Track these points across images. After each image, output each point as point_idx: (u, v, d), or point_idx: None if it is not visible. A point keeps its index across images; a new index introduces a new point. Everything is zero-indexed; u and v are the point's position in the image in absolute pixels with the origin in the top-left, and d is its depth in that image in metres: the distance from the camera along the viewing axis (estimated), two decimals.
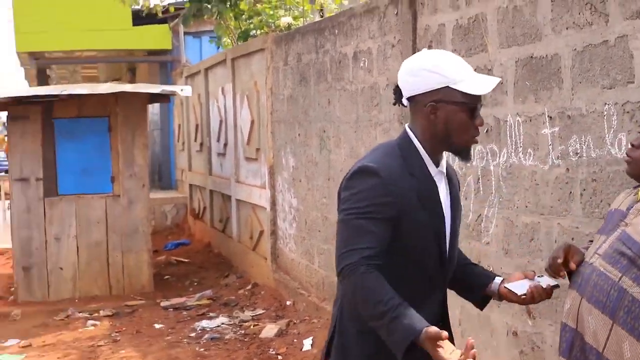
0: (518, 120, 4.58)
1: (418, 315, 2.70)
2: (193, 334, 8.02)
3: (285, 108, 8.86)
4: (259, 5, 9.83)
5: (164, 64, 17.05)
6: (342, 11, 7.50)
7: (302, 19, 9.06)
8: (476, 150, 5.00)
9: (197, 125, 13.49)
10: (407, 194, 2.86)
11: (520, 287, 3.04)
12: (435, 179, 2.95)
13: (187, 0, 10.96)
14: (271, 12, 9.63)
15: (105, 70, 25.06)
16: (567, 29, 4.11)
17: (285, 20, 8.79)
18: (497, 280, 3.13)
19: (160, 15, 12.37)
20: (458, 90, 2.88)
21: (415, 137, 2.94)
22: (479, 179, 5.02)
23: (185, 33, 16.06)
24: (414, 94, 2.94)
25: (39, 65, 18.26)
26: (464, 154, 2.97)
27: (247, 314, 8.52)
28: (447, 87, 2.88)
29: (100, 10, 15.80)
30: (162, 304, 9.38)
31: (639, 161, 2.95)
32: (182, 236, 14.20)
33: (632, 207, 2.94)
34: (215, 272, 11.06)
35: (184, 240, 13.79)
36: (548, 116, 4.30)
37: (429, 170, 2.94)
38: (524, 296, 3.02)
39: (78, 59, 19.05)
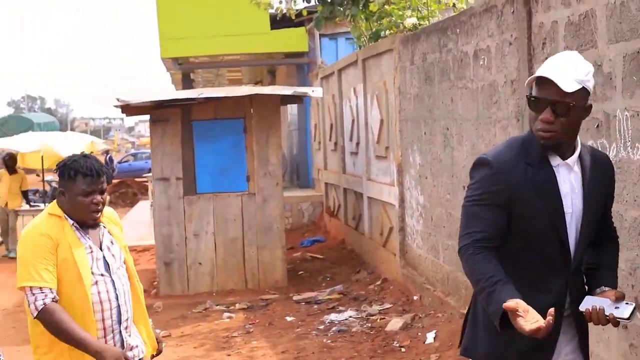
0: (626, 115, 4.61)
1: (513, 290, 2.98)
2: (321, 327, 8.30)
3: (412, 107, 9.02)
4: (387, 7, 10.01)
5: (300, 66, 17.46)
6: (463, 10, 7.62)
7: (428, 19, 9.19)
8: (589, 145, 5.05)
9: (331, 125, 13.80)
10: (520, 183, 3.13)
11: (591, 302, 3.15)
12: (557, 170, 3.16)
13: (320, 4, 11.24)
14: (400, 13, 9.80)
15: (248, 73, 25.77)
16: None
17: (410, 21, 8.95)
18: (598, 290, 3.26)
19: (293, 18, 12.71)
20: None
21: None
22: None
23: (321, 35, 16.40)
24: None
25: (183, 70, 19.01)
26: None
27: (375, 308, 8.74)
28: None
29: (240, 16, 16.35)
30: (295, 297, 9.71)
31: None
32: (318, 233, 14.54)
33: None
34: (347, 267, 11.33)
35: (319, 237, 14.13)
36: None
37: (549, 162, 3.16)
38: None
39: (220, 63, 19.69)
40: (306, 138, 17.19)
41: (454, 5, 9.97)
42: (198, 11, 16.58)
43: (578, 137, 3.27)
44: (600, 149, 4.94)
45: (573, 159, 3.20)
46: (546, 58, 5.49)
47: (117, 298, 4.02)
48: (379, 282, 9.93)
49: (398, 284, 9.45)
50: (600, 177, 3.25)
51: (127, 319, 4.10)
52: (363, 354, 7.23)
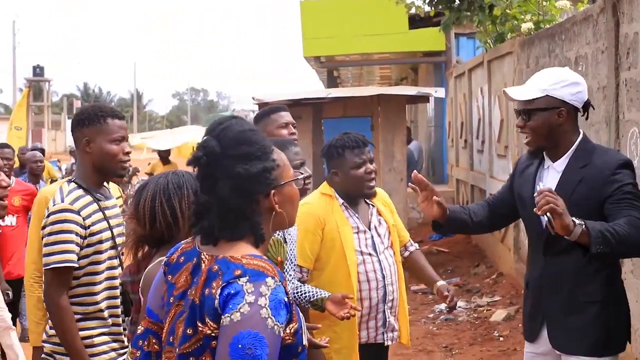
0: None
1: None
2: (431, 315, 8.83)
3: None
4: (508, 11, 10.37)
5: (438, 64, 17.92)
6: (568, 18, 7.95)
7: (546, 22, 9.50)
8: None
9: (462, 123, 14.21)
10: (518, 179, 3.98)
11: None
12: (547, 170, 3.84)
13: (446, 9, 11.68)
14: (522, 17, 10.14)
15: (395, 70, 26.36)
16: None
17: (526, 25, 9.29)
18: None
19: (422, 16, 13.14)
20: None
21: None
22: None
23: (458, 34, 16.80)
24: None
25: (328, 68, 19.79)
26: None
27: (485, 300, 9.18)
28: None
29: (379, 16, 16.93)
30: (412, 287, 10.23)
31: None
32: None
33: None
34: (468, 261, 11.76)
35: None
36: None
37: (538, 163, 3.89)
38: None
39: (361, 61, 20.35)
40: (442, 135, 17.63)
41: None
42: (339, 12, 17.26)
43: (577, 143, 3.80)
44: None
45: (559, 162, 3.76)
46: (630, 67, 5.88)
47: (383, 278, 4.21)
48: (494, 276, 10.34)
49: (511, 278, 9.83)
50: (591, 178, 3.64)
51: (392, 299, 4.27)
52: (463, 341, 7.72)
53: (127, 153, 3.91)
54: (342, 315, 3.83)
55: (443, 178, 17.54)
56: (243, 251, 2.32)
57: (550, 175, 3.80)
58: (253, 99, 11.03)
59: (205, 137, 2.39)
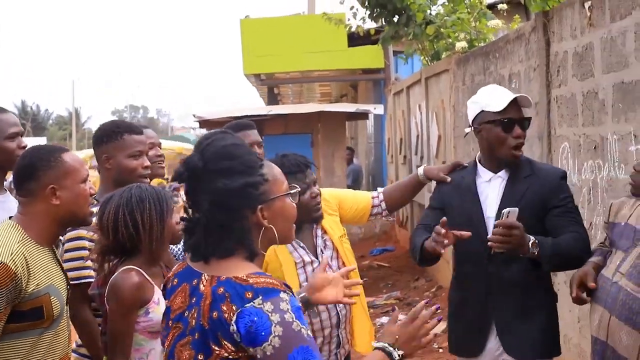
0: (614, 138, 5.16)
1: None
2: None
3: (464, 124, 9.58)
4: (442, 30, 10.60)
5: (377, 81, 18.13)
6: (502, 36, 8.18)
7: (479, 41, 9.74)
8: (588, 164, 5.60)
9: (401, 139, 14.41)
10: (452, 192, 4.11)
11: None
12: (489, 181, 4.01)
13: (386, 24, 11.88)
14: (455, 35, 10.39)
15: (336, 87, 26.57)
16: None
17: (460, 44, 9.52)
18: None
19: (361, 35, 13.34)
20: (488, 111, 3.80)
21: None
22: (590, 190, 5.61)
23: (396, 52, 17.02)
24: (471, 123, 3.90)
25: (268, 85, 19.90)
26: (509, 164, 3.98)
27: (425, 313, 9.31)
28: (482, 111, 3.81)
29: (319, 34, 17.07)
30: None
31: None
32: (389, 243, 15.15)
33: None
34: (408, 275, 11.92)
35: (389, 246, 14.73)
36: (634, 135, 4.87)
37: (474, 176, 4.02)
38: None
39: (301, 79, 20.49)
40: (382, 151, 17.83)
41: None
42: (278, 30, 17.38)
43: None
44: (597, 169, 5.49)
45: (502, 172, 4.03)
46: (560, 84, 6.09)
47: (335, 304, 3.90)
48: (433, 289, 10.51)
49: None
50: (537, 187, 3.90)
51: (345, 320, 4.05)
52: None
53: (146, 167, 4.01)
54: (345, 301, 3.20)
55: None
56: (244, 269, 2.30)
57: (493, 185, 4.00)
58: (194, 116, 11.10)
59: (191, 153, 2.40)
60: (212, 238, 2.32)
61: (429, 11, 11.05)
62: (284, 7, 70.45)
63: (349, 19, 12.84)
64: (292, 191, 2.47)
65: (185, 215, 2.40)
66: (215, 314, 2.23)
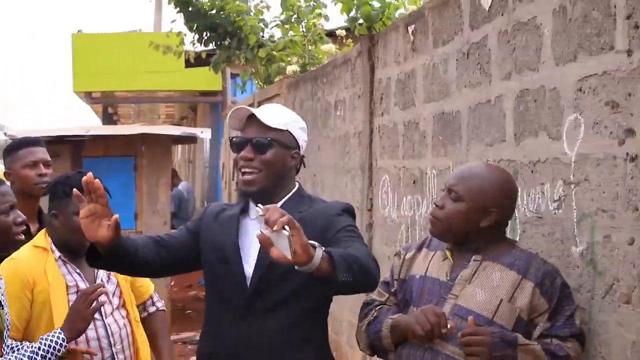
0: (434, 173, 4.79)
1: None
2: None
3: None
4: (275, 53, 10.18)
5: (215, 104, 17.58)
6: (330, 61, 7.80)
7: (312, 65, 9.36)
8: (407, 199, 5.22)
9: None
10: (212, 223, 3.30)
11: None
12: (253, 219, 3.13)
13: (217, 48, 11.38)
14: (288, 59, 9.98)
15: (178, 110, 25.86)
16: (465, 87, 4.33)
17: (291, 68, 9.12)
18: None
19: (192, 62, 12.77)
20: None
21: None
22: (408, 227, 5.23)
23: (235, 75, 16.53)
24: None
25: (103, 104, 19.02)
26: (244, 195, 3.26)
27: None
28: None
29: (156, 53, 16.41)
30: (172, 337, 9.71)
31: (443, 220, 3.06)
32: None
33: (456, 278, 3.01)
34: None
35: None
36: (452, 170, 4.50)
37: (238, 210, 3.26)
38: None
39: (132, 99, 19.73)
40: (217, 176, 17.27)
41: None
42: (113, 47, 16.59)
43: (294, 191, 3.26)
44: (415, 204, 5.11)
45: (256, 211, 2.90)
46: (383, 113, 5.71)
47: (110, 345, 3.72)
48: None
49: None
50: (310, 221, 3.02)
51: (119, 341, 3.77)
52: None
53: (42, 175, 4.44)
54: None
55: None
56: None
57: (251, 226, 3.14)
58: (5, 134, 10.25)
59: None
60: None
61: (261, 33, 10.60)
62: (127, 24, 68.96)
63: (178, 47, 12.27)
64: None
65: None
66: None
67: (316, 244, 2.62)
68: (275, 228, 2.50)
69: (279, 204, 3.11)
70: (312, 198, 3.33)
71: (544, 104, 3.43)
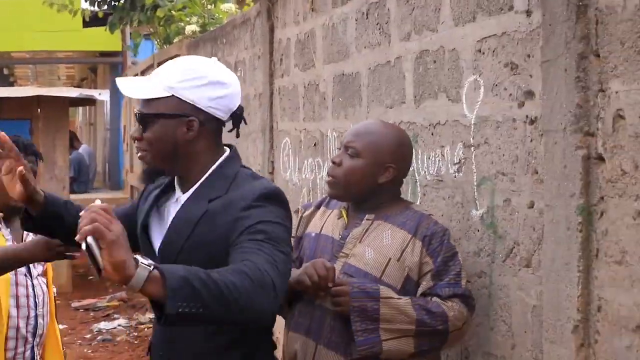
0: (334, 135, 4.71)
1: None
2: (88, 335, 8.17)
3: None
4: (174, 13, 9.95)
5: (115, 65, 17.18)
6: (229, 21, 7.64)
7: (212, 25, 9.18)
8: (308, 162, 5.14)
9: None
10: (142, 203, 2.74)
11: None
12: (174, 203, 2.63)
13: (113, 8, 11.09)
14: (187, 19, 9.76)
15: (78, 71, 25.23)
16: (365, 48, 4.25)
17: (190, 28, 8.92)
18: None
19: (87, 20, 12.43)
20: None
21: None
22: (310, 190, 5.16)
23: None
24: None
25: None
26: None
27: (147, 316, 8.65)
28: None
29: (51, 12, 15.88)
30: (73, 304, 9.52)
31: (341, 180, 2.97)
32: None
33: (347, 236, 2.95)
34: None
35: None
36: None
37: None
38: None
39: (35, 59, 19.14)
40: (118, 139, 16.93)
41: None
42: (6, 6, 16.02)
43: (214, 168, 2.56)
44: (317, 168, 5.04)
45: (188, 194, 2.56)
46: (283, 75, 5.60)
47: (35, 306, 3.65)
48: None
49: None
50: (218, 214, 2.45)
51: (41, 334, 3.71)
52: None
53: None
54: None
55: (119, 184, 16.81)
56: None
57: (172, 212, 2.58)
58: None
59: None
60: None
61: None
62: None
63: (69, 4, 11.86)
64: None
65: None
66: None
67: (145, 260, 1.99)
68: (77, 238, 1.95)
69: (192, 189, 2.55)
70: (236, 175, 2.55)
71: (443, 66, 3.37)
